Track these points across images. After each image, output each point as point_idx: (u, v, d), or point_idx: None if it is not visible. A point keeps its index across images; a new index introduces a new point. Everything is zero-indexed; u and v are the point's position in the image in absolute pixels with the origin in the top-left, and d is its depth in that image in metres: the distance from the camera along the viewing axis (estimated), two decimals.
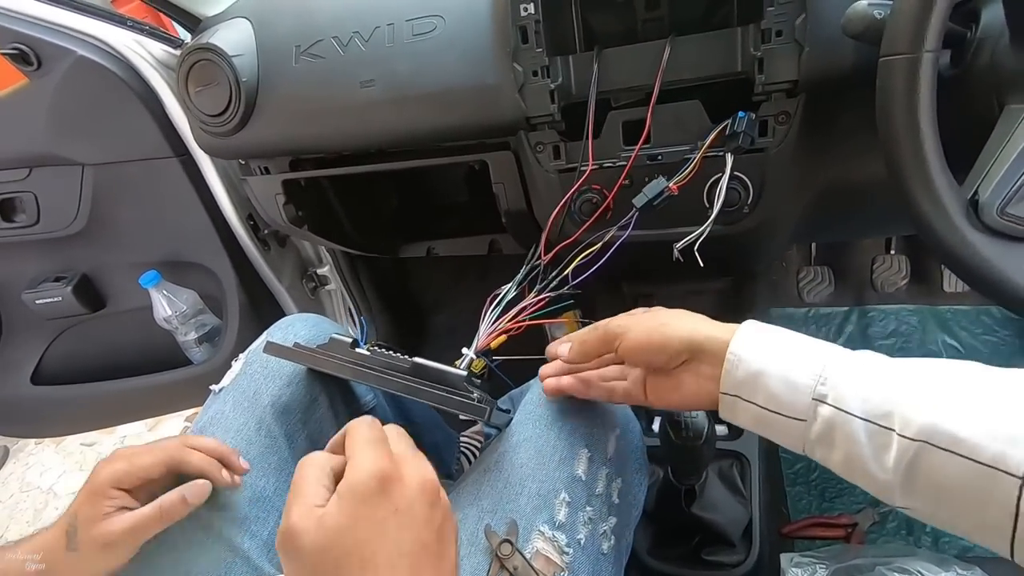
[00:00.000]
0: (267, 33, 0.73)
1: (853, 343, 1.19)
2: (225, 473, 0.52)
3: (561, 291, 0.58)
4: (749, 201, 0.63)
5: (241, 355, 0.64)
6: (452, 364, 0.58)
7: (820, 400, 0.39)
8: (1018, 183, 0.38)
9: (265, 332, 0.66)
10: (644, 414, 0.82)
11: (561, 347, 0.53)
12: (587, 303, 0.99)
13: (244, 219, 1.00)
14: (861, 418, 0.37)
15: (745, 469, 0.71)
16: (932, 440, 0.34)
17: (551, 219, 0.66)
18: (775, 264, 1.13)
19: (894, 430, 0.36)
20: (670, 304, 0.52)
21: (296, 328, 0.66)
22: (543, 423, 0.54)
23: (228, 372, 0.63)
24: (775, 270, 1.15)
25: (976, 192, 0.39)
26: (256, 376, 0.61)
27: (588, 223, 0.67)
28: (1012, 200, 0.38)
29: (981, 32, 0.47)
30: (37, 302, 1.04)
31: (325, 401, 0.63)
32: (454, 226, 0.98)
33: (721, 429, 0.79)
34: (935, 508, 0.35)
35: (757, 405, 0.42)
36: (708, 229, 0.60)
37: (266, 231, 1.05)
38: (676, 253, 0.62)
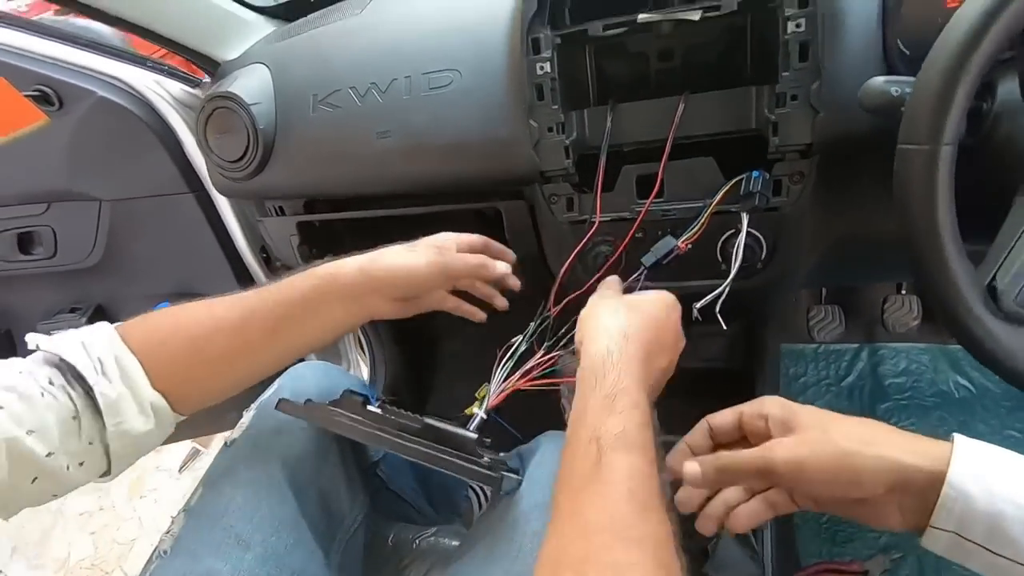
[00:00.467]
0: (285, 80, 0.74)
1: (863, 380, 1.18)
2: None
3: (572, 348, 0.58)
4: (763, 257, 0.64)
5: (252, 406, 0.65)
6: (464, 413, 0.58)
7: None
8: None
9: (276, 382, 0.67)
10: None
11: (688, 467, 0.43)
12: None
13: (257, 252, 1.01)
14: None
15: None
16: None
17: (562, 271, 0.66)
18: (786, 302, 1.13)
19: None
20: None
21: (307, 379, 0.66)
22: (552, 487, 0.53)
23: (239, 424, 0.63)
24: (786, 307, 1.15)
25: (994, 278, 0.39)
26: (266, 430, 0.61)
27: (598, 274, 0.67)
28: None
29: (998, 106, 0.47)
30: (52, 332, 1.05)
31: (336, 454, 0.63)
32: None
33: None
34: None
35: (990, 551, 0.35)
36: (727, 289, 0.60)
37: (279, 263, 1.06)
38: (695, 313, 0.62)
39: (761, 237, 0.63)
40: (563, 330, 0.62)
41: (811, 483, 0.40)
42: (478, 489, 1.01)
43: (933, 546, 0.38)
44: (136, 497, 1.68)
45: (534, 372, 0.59)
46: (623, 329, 0.45)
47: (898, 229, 0.42)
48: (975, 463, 0.36)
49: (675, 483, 0.47)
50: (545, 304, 0.66)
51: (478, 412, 0.56)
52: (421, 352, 1.40)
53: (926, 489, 0.37)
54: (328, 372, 0.69)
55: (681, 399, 0.96)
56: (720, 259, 0.65)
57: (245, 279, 1.04)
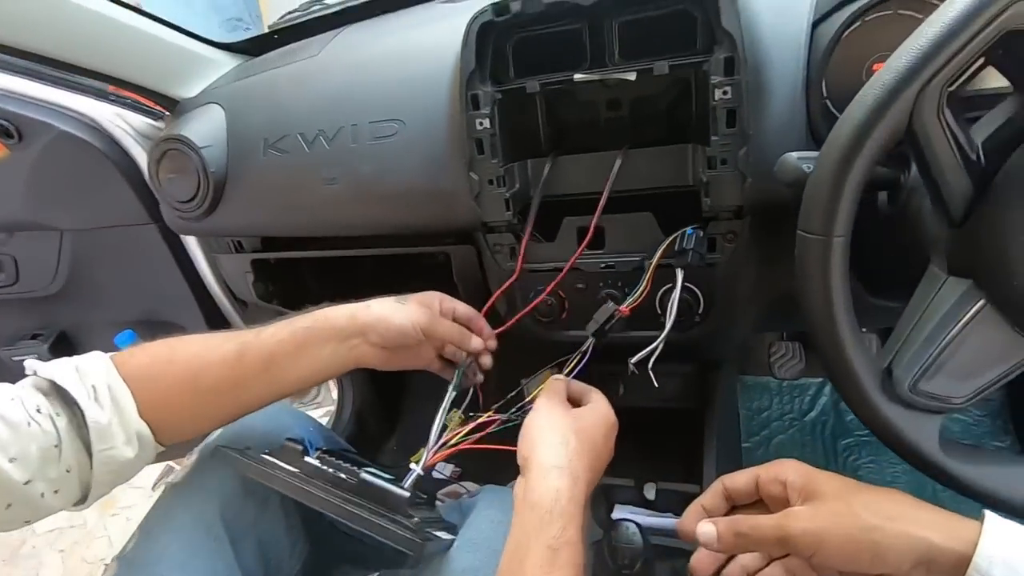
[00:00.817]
0: (238, 123, 0.75)
1: (826, 416, 1.19)
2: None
3: (520, 413, 0.59)
4: (700, 311, 0.64)
5: (196, 448, 0.65)
6: (410, 461, 0.58)
7: None
8: (929, 360, 0.39)
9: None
10: (604, 501, 0.83)
11: (703, 528, 0.44)
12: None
13: (221, 281, 1.02)
14: None
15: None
16: None
17: (507, 325, 0.67)
18: (747, 339, 1.14)
19: None
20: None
21: (256, 420, 0.66)
22: (485, 550, 0.54)
23: (182, 466, 0.64)
24: (749, 342, 1.16)
25: (891, 364, 0.40)
26: (208, 474, 0.61)
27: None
28: (923, 377, 0.39)
29: (911, 181, 0.48)
30: (14, 359, 1.05)
31: (277, 500, 0.63)
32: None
33: (667, 523, 0.79)
34: None
35: None
36: (661, 345, 0.61)
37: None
38: (631, 367, 0.63)
39: (698, 291, 0.64)
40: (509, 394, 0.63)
41: (831, 557, 0.38)
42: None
43: None
44: (108, 515, 1.67)
45: (475, 432, 0.60)
46: (571, 467, 0.46)
47: (800, 306, 0.43)
48: (1003, 546, 0.35)
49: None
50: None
51: (415, 468, 0.57)
52: (390, 379, 1.40)
53: (953, 568, 0.35)
54: (278, 414, 0.69)
55: (633, 440, 0.97)
56: (659, 311, 0.66)
57: (210, 310, 1.04)
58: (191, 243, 0.94)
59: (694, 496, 0.77)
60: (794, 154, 0.47)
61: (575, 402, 0.55)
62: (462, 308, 0.64)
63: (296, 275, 0.89)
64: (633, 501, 0.83)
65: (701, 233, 0.60)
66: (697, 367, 0.90)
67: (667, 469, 0.92)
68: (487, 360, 0.65)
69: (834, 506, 0.40)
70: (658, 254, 0.61)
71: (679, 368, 0.90)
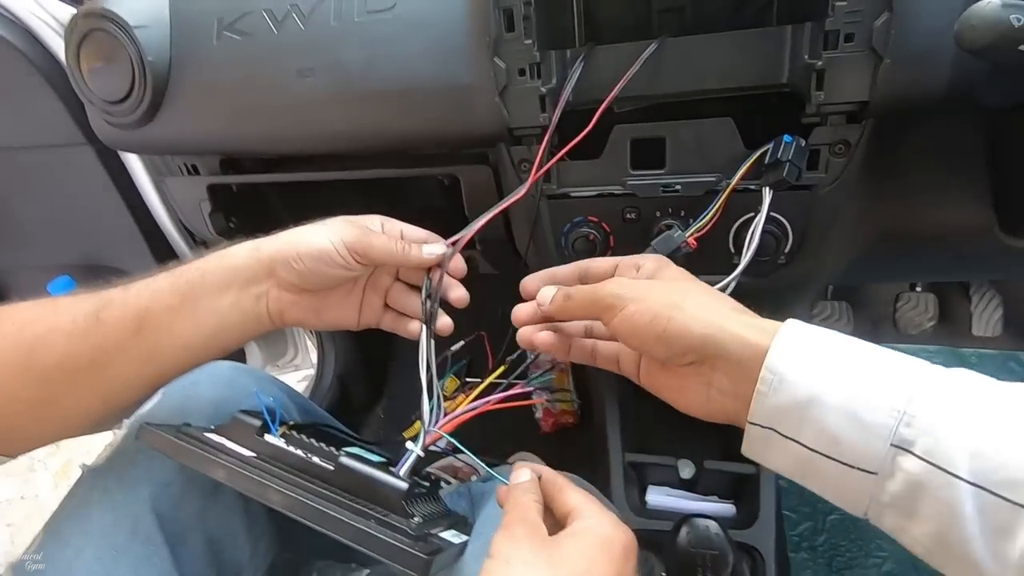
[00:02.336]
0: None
1: None
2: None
3: (545, 376, 0.44)
4: (787, 249, 0.50)
5: (125, 421, 0.50)
6: (403, 437, 0.44)
7: (903, 448, 0.28)
8: None
9: (160, 390, 0.52)
10: (636, 482, 0.70)
11: (544, 292, 0.42)
12: None
13: (173, 214, 0.85)
14: (969, 482, 0.26)
15: (757, 567, 0.59)
16: None
17: (524, 250, 0.52)
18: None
19: None
20: None
21: (201, 388, 0.51)
22: None
23: (107, 444, 0.49)
24: None
25: None
26: (137, 456, 0.46)
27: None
28: None
29: None
30: None
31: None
32: None
33: (727, 508, 0.66)
34: None
35: (802, 445, 0.31)
36: (732, 284, 0.47)
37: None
38: None
39: (787, 223, 0.49)
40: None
41: (622, 324, 0.36)
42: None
43: (750, 449, 0.34)
44: (62, 485, 1.52)
45: (492, 399, 0.45)
46: None
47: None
48: (807, 345, 0.32)
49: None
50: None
51: (412, 447, 0.42)
52: (375, 338, 1.25)
53: (745, 369, 0.32)
54: (235, 379, 0.54)
55: (668, 411, 0.84)
56: (732, 250, 0.51)
57: (162, 252, 0.88)
58: (135, 166, 0.77)
59: (741, 476, 0.64)
60: (995, 1, 0.32)
61: (558, 517, 0.38)
62: (413, 229, 0.48)
63: (264, 205, 0.73)
64: (669, 482, 0.70)
65: (803, 142, 0.45)
66: None
67: (706, 444, 0.79)
68: (457, 294, 0.48)
69: (654, 283, 0.39)
70: (742, 170, 0.47)
71: None
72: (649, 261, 0.43)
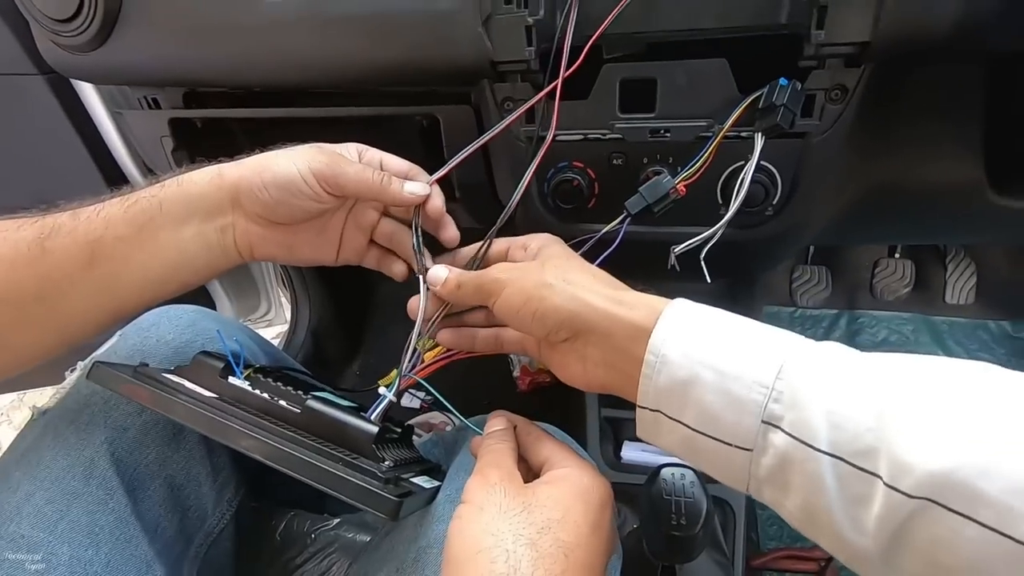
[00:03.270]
0: None
1: None
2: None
3: None
4: (775, 200, 0.48)
5: (79, 363, 0.47)
6: (378, 385, 0.42)
7: (773, 424, 0.28)
8: None
9: (117, 332, 0.49)
10: (612, 438, 0.69)
11: (435, 272, 0.42)
12: None
13: (133, 151, 0.80)
14: (828, 453, 0.27)
15: (728, 519, 0.60)
16: (941, 498, 0.23)
17: (512, 204, 0.49)
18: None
19: (879, 477, 0.25)
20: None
21: (161, 330, 0.49)
22: None
23: (60, 386, 0.46)
24: None
25: None
26: (93, 398, 0.44)
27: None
28: None
29: None
30: None
31: (196, 432, 0.46)
32: None
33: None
34: None
35: (686, 426, 0.31)
36: (719, 234, 0.46)
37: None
38: (673, 259, 0.48)
39: (777, 172, 0.48)
40: None
41: (502, 306, 0.37)
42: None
43: (644, 432, 0.34)
44: None
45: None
46: None
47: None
48: (687, 323, 0.32)
49: None
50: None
51: (386, 393, 0.40)
52: (353, 292, 1.22)
53: (611, 339, 0.33)
54: (198, 320, 0.51)
55: None
56: (720, 200, 0.50)
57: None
58: (91, 99, 0.72)
59: None
60: None
61: (533, 466, 0.37)
62: (394, 160, 0.45)
63: (231, 145, 0.68)
64: None
65: (799, 85, 0.43)
66: (727, 283, 0.75)
67: None
68: (449, 235, 0.46)
69: (531, 265, 0.39)
70: (736, 113, 0.45)
71: (704, 285, 0.75)
72: (535, 241, 0.43)
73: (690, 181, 0.46)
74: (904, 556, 0.25)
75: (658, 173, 0.48)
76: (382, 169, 0.44)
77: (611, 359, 0.34)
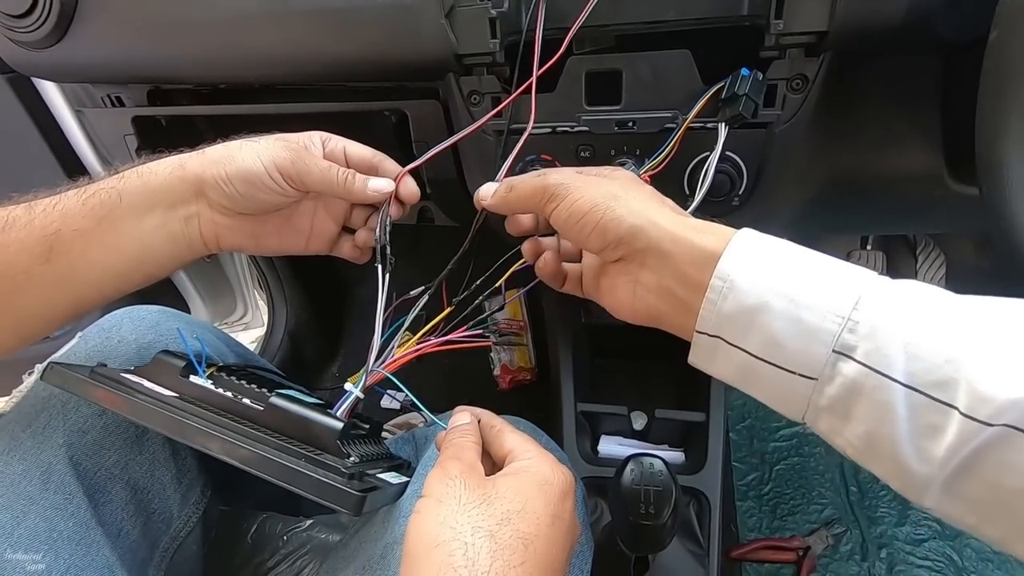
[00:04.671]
0: None
1: None
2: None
3: (492, 322, 0.42)
4: (741, 190, 0.49)
5: (38, 365, 0.46)
6: (344, 385, 0.42)
7: (844, 354, 0.28)
8: None
9: (78, 334, 0.48)
10: (589, 432, 0.69)
11: (484, 187, 0.42)
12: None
13: (96, 150, 0.78)
14: (904, 384, 0.27)
15: (704, 510, 0.60)
16: (1021, 423, 0.24)
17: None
18: None
19: (956, 408, 0.25)
20: None
21: (123, 331, 0.48)
22: None
23: (16, 390, 0.45)
24: None
25: None
26: (50, 399, 0.43)
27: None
28: None
29: None
30: None
31: (160, 434, 0.46)
32: None
33: (676, 456, 0.67)
34: (993, 519, 0.26)
35: (747, 352, 0.31)
36: None
37: None
38: None
39: (742, 162, 0.48)
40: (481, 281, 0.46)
41: (564, 212, 0.36)
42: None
43: (697, 358, 0.34)
44: None
45: (435, 341, 0.43)
46: None
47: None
48: (758, 251, 0.31)
49: None
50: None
51: (351, 388, 0.40)
52: (331, 294, 1.21)
53: (667, 264, 0.33)
54: (162, 321, 0.50)
55: (622, 363, 0.84)
56: (687, 191, 0.50)
57: None
58: (54, 97, 0.71)
59: (695, 424, 0.65)
60: None
61: (496, 459, 0.37)
62: (358, 148, 0.44)
63: (196, 141, 0.67)
64: (621, 432, 0.70)
65: (761, 75, 0.44)
66: None
67: (659, 395, 0.80)
68: (408, 195, 0.45)
69: (597, 178, 0.38)
70: (699, 104, 0.45)
71: None
72: (600, 169, 0.42)
73: (655, 172, 0.46)
74: (967, 482, 0.26)
75: (623, 164, 0.49)
76: (346, 158, 0.43)
77: (667, 284, 0.34)
